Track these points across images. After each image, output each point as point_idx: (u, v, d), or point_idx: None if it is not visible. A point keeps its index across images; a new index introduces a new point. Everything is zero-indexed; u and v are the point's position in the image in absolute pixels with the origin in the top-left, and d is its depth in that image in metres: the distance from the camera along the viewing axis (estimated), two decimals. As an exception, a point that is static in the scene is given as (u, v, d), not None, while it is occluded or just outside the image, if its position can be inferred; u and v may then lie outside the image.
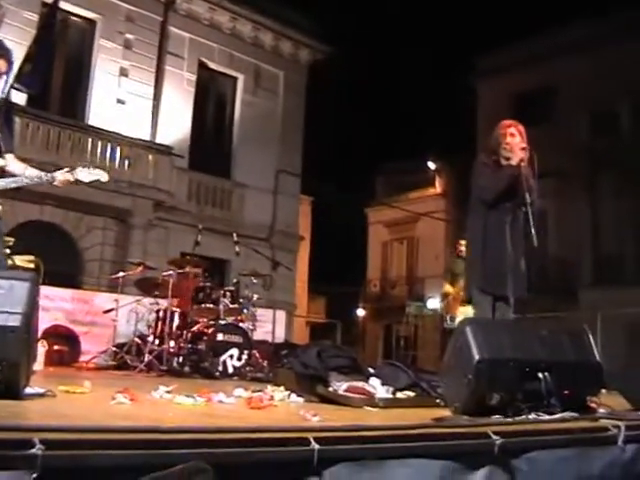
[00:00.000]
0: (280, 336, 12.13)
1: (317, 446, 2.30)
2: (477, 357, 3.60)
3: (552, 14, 25.66)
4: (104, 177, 4.86)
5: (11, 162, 4.65)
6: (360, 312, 33.35)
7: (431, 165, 30.50)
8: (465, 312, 8.57)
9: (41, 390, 3.68)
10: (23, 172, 4.68)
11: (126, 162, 16.65)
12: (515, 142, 5.54)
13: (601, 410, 3.97)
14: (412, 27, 50.77)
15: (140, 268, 9.97)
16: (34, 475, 1.80)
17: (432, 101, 44.22)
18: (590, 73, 23.88)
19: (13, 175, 4.64)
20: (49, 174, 4.69)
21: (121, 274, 10.18)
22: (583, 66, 24.17)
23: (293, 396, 4.55)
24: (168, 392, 4.16)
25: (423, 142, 32.12)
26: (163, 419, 3.02)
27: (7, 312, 3.14)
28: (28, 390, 3.50)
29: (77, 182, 4.74)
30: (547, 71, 25.17)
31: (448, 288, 12.22)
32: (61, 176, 4.67)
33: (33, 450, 1.81)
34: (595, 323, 12.38)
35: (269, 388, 4.76)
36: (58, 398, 3.68)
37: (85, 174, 4.75)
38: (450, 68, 45.01)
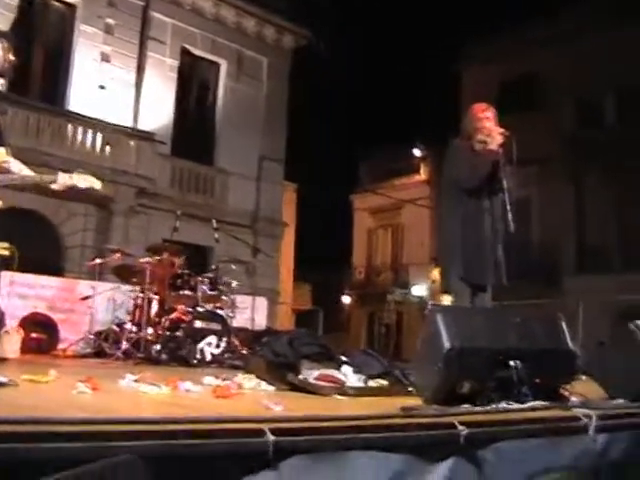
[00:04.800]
0: (261, 323, 12.03)
1: (272, 437, 2.23)
2: (447, 345, 3.54)
3: (538, 3, 25.54)
4: (98, 185, 4.79)
5: (9, 158, 4.57)
6: (345, 299, 33.35)
7: (416, 152, 30.45)
8: (448, 300, 8.48)
9: (3, 379, 3.60)
10: (20, 170, 4.59)
11: (107, 148, 16.49)
12: (493, 126, 5.46)
13: (573, 399, 3.91)
14: (398, 13, 50.61)
15: (118, 255, 9.86)
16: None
17: (417, 87, 44.11)
18: (575, 62, 23.87)
19: (9, 172, 4.54)
20: (50, 176, 4.58)
21: (98, 261, 10.08)
22: (568, 55, 24.16)
23: (264, 384, 4.47)
24: (135, 380, 4.09)
25: (408, 128, 32.02)
26: (120, 409, 2.95)
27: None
28: (-12, 379, 3.42)
29: (73, 187, 4.67)
30: (532, 60, 25.14)
31: (437, 274, 12.05)
32: (62, 179, 4.58)
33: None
34: (577, 310, 12.34)
35: (239, 376, 4.68)
36: (20, 388, 3.60)
37: (81, 180, 4.68)
38: (435, 54, 44.92)
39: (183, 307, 9.00)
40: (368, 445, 2.49)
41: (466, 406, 3.39)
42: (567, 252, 24.20)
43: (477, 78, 26.91)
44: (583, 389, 4.23)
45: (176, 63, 18.84)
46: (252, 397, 3.90)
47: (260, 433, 2.25)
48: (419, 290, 28.93)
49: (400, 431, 2.65)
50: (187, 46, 19.16)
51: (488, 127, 5.45)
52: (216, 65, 20.00)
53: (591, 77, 23.27)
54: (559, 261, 24.07)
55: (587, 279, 21.73)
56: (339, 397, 4.00)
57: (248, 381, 4.47)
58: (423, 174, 30.60)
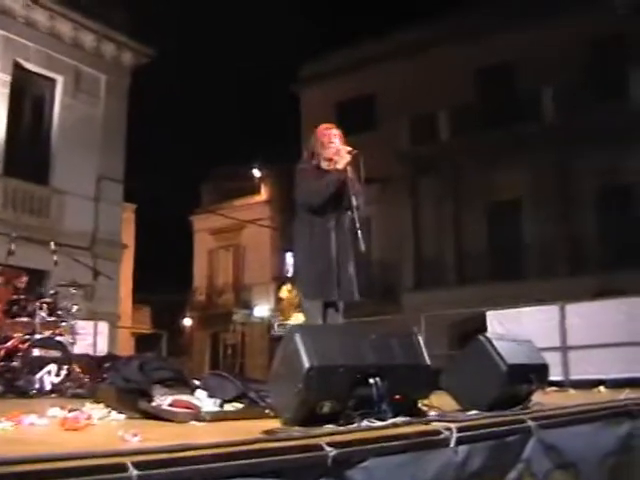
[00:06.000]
0: (103, 349, 11.65)
1: (135, 472, 2.07)
2: (307, 365, 3.46)
3: (371, 23, 26.42)
4: None
5: None
6: (187, 321, 32.90)
7: (256, 172, 30.58)
8: (299, 318, 8.48)
9: None
10: None
11: None
12: (340, 145, 5.50)
13: (432, 413, 3.94)
14: (240, 34, 50.82)
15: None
16: None
17: (258, 108, 44.38)
18: (408, 80, 24.78)
19: None
20: None
21: None
22: (401, 73, 25.09)
23: (114, 413, 4.23)
24: (-29, 417, 3.76)
25: (249, 149, 32.19)
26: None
27: None
28: None
29: None
30: (367, 79, 25.89)
31: (284, 292, 12.00)
32: None
33: None
34: (419, 325, 12.65)
35: (87, 406, 4.41)
36: None
37: None
38: (275, 76, 45.38)
39: (20, 335, 8.55)
40: (236, 473, 2.37)
41: (329, 426, 3.33)
42: (405, 269, 24.90)
43: (315, 99, 27.37)
44: (438, 402, 4.28)
45: (8, 78, 17.94)
46: (105, 428, 3.66)
47: (122, 468, 2.08)
48: (261, 310, 28.96)
49: (267, 456, 2.54)
50: (20, 60, 18.29)
51: (335, 146, 5.49)
52: (52, 81, 19.22)
53: (424, 94, 24.16)
54: (398, 278, 24.71)
55: (424, 295, 22.42)
56: (196, 423, 3.83)
57: (97, 411, 4.22)
58: (264, 194, 30.77)
